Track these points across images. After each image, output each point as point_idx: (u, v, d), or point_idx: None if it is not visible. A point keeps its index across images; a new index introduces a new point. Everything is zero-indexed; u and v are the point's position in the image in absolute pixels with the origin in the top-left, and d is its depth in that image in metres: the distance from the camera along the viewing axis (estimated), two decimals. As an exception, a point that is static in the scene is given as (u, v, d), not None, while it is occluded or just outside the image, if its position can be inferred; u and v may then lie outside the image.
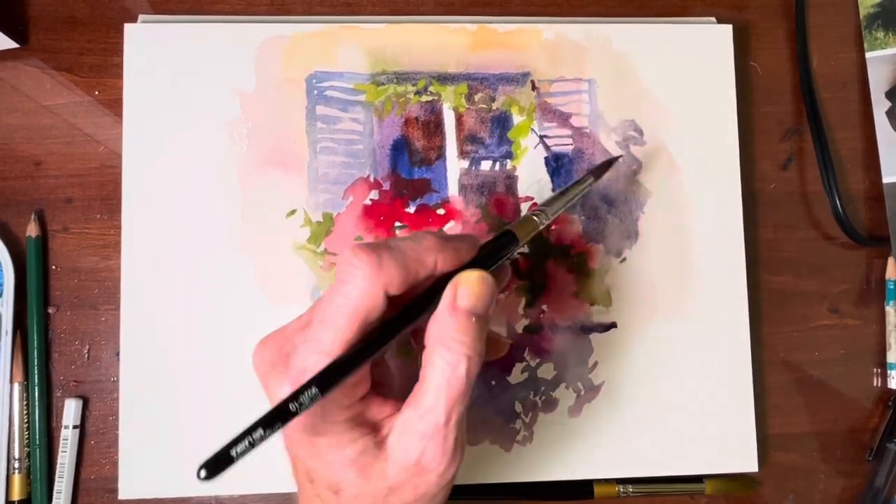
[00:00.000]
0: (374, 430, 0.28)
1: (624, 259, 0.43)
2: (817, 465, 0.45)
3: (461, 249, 0.28)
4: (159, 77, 0.41)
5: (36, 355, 0.40)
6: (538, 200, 0.43)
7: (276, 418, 0.23)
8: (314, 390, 0.24)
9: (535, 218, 0.32)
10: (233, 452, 0.22)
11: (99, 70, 0.43)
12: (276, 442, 0.40)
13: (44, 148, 0.42)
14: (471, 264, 0.29)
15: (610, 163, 0.40)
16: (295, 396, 0.24)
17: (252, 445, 0.23)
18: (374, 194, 0.42)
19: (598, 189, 0.43)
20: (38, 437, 0.40)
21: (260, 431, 0.23)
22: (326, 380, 0.24)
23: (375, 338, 0.26)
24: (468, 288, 0.28)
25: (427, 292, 0.28)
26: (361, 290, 0.25)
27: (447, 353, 0.26)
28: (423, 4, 0.46)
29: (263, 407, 0.41)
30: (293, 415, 0.24)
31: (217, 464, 0.22)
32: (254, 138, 0.42)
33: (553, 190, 0.43)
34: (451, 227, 0.42)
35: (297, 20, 0.44)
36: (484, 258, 0.29)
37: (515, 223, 0.32)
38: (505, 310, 0.42)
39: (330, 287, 0.28)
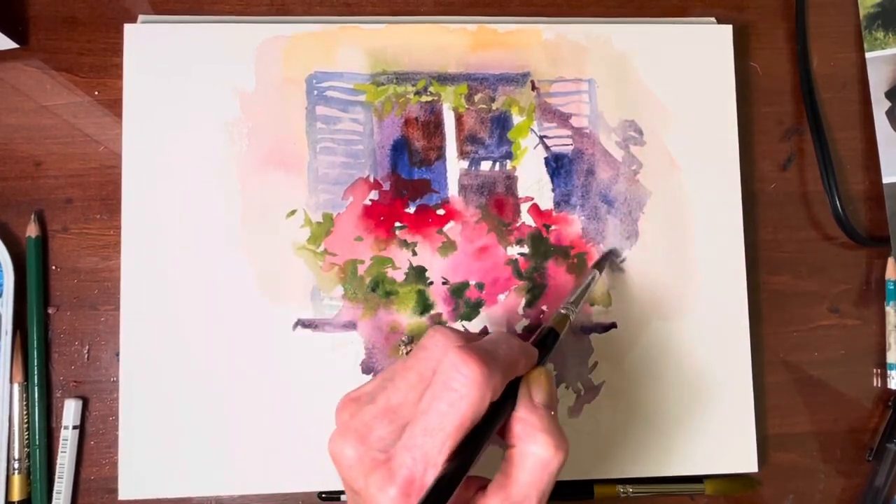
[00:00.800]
0: None
1: (624, 259, 0.43)
2: (817, 465, 0.45)
3: (532, 352, 0.31)
4: (159, 77, 0.41)
5: (36, 355, 0.40)
6: (538, 200, 0.43)
7: None
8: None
9: (563, 311, 0.35)
10: None
11: (99, 70, 0.43)
12: (274, 443, 0.40)
13: (44, 148, 0.42)
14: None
15: (608, 255, 0.43)
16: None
17: None
18: (374, 194, 0.42)
19: (598, 189, 0.43)
20: (38, 437, 0.40)
21: None
22: (446, 490, 0.26)
23: (474, 439, 0.27)
24: (539, 385, 0.30)
25: (501, 397, 0.29)
26: (471, 400, 0.26)
27: (539, 450, 0.27)
28: (423, 4, 0.46)
29: (263, 410, 0.41)
30: None
31: None
32: (254, 138, 0.42)
33: (553, 190, 0.43)
34: (450, 228, 0.42)
35: (297, 20, 0.44)
36: (540, 355, 0.32)
37: (551, 321, 0.34)
38: (505, 310, 0.42)
39: (411, 370, 0.28)
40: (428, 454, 0.26)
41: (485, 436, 0.28)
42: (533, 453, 0.27)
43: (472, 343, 0.28)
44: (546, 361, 0.33)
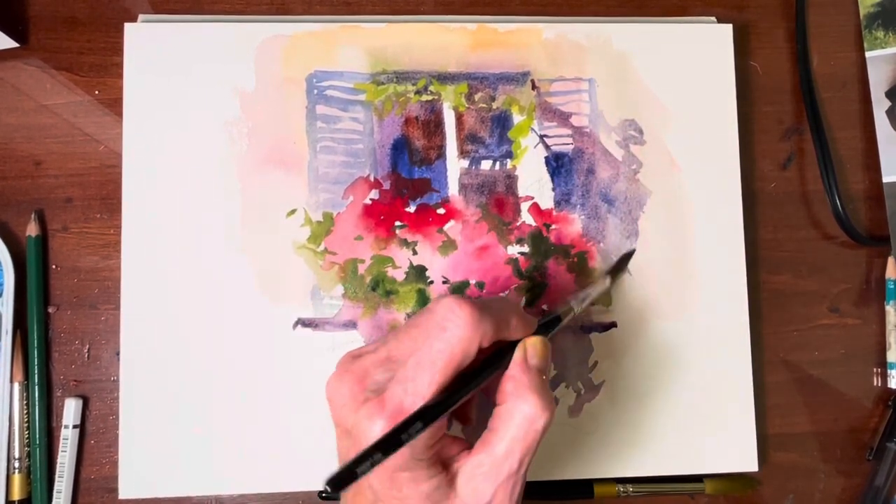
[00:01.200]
0: (444, 468, 0.29)
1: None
2: (817, 465, 0.45)
3: (530, 324, 0.32)
4: (159, 77, 0.41)
5: (36, 355, 0.40)
6: (538, 200, 0.43)
7: (391, 445, 0.26)
8: (419, 424, 0.27)
9: (571, 303, 0.36)
10: (358, 470, 0.25)
11: (99, 70, 0.43)
12: (274, 443, 0.40)
13: (44, 148, 0.42)
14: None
15: (626, 259, 0.42)
16: (405, 427, 0.26)
17: (372, 465, 0.25)
18: (374, 194, 0.42)
19: (598, 188, 0.43)
20: (38, 436, 0.40)
21: (379, 454, 0.26)
22: (428, 415, 0.27)
23: (463, 385, 0.29)
24: (535, 349, 0.31)
25: (494, 356, 0.31)
26: (462, 338, 0.28)
27: (528, 409, 0.29)
28: (423, 4, 0.46)
29: (263, 410, 0.41)
30: (402, 443, 0.26)
31: (341, 480, 0.25)
32: (254, 138, 0.42)
33: (553, 189, 0.43)
34: (450, 227, 0.42)
35: (297, 20, 0.44)
36: (539, 331, 0.33)
37: (559, 309, 0.35)
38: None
39: (415, 327, 0.29)
40: (418, 387, 0.27)
41: (474, 380, 0.29)
42: (520, 410, 0.29)
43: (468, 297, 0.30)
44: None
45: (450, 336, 0.28)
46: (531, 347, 0.31)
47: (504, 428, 0.29)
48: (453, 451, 0.30)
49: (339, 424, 0.30)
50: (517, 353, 0.31)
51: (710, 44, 0.45)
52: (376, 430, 0.27)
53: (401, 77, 0.43)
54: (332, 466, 0.41)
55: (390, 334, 0.31)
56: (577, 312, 0.35)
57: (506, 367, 0.31)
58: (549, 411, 0.29)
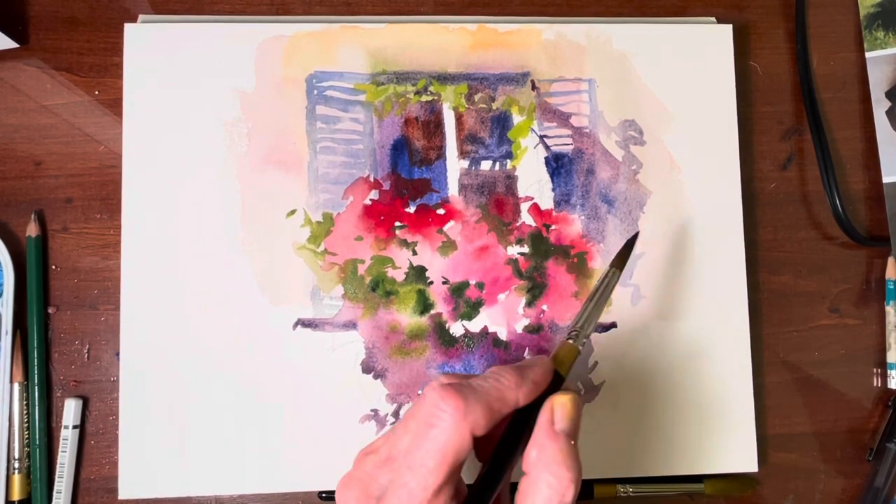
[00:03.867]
0: None
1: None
2: (817, 465, 0.45)
3: (539, 382, 0.29)
4: (159, 77, 0.41)
5: (36, 355, 0.40)
6: (538, 200, 0.43)
7: None
8: None
9: (570, 342, 0.32)
10: None
11: (99, 70, 0.43)
12: (274, 443, 0.40)
13: (44, 148, 0.42)
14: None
15: (630, 245, 0.37)
16: None
17: None
18: (374, 194, 0.42)
19: (598, 189, 0.43)
20: (38, 437, 0.40)
21: None
22: None
23: (487, 482, 0.27)
24: (564, 410, 0.28)
25: (515, 422, 0.29)
26: (450, 434, 0.26)
27: (555, 481, 0.27)
28: (423, 4, 0.46)
29: (263, 410, 0.41)
30: None
31: None
32: (254, 138, 0.42)
33: (553, 189, 0.43)
34: (450, 227, 0.42)
35: (297, 20, 0.44)
36: (555, 381, 0.30)
37: (559, 350, 0.32)
38: (505, 309, 0.42)
39: (408, 422, 0.28)
40: (412, 492, 0.26)
41: (500, 470, 0.28)
42: (547, 483, 0.27)
43: (458, 381, 0.28)
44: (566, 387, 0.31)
45: (437, 433, 0.26)
46: (559, 409, 0.29)
47: (530, 502, 0.27)
48: None
49: None
50: (543, 416, 0.28)
51: (710, 44, 0.45)
52: None
53: (401, 77, 0.43)
54: (332, 466, 0.41)
55: (391, 429, 0.29)
56: (581, 346, 0.32)
57: (531, 432, 0.28)
58: (576, 483, 0.27)
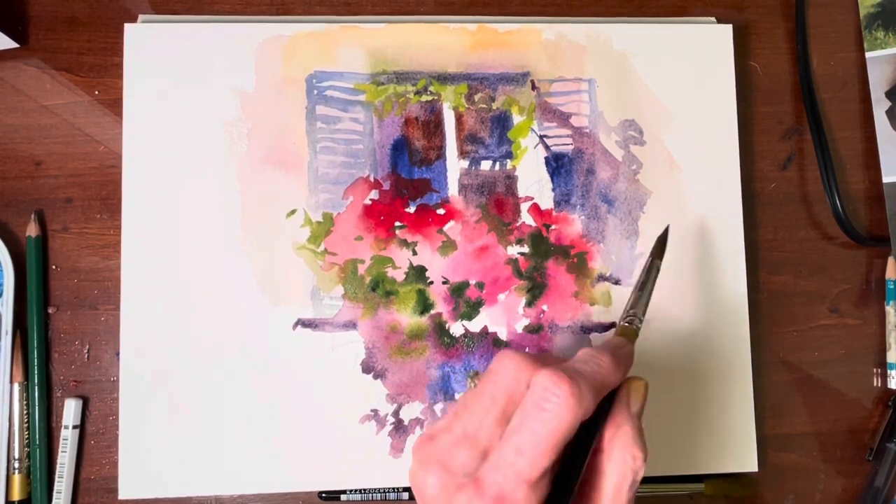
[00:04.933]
0: None
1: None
2: (817, 465, 0.45)
3: (629, 365, 0.31)
4: (159, 77, 0.41)
5: (36, 355, 0.40)
6: (538, 200, 0.43)
7: None
8: None
9: (626, 324, 0.34)
10: None
11: (99, 70, 0.43)
12: (274, 443, 0.40)
13: (44, 148, 0.42)
14: None
15: (665, 237, 0.39)
16: None
17: None
18: (374, 194, 0.42)
19: (598, 189, 0.43)
20: (38, 437, 0.40)
21: None
22: None
23: (572, 462, 0.28)
24: (638, 394, 0.30)
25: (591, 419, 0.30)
26: (563, 419, 0.26)
27: (630, 460, 0.28)
28: (423, 4, 0.46)
29: (263, 410, 0.41)
30: None
31: None
32: (254, 138, 0.42)
33: (553, 189, 0.43)
34: (450, 227, 0.42)
35: (297, 20, 0.44)
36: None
37: (624, 333, 0.34)
38: (505, 310, 0.42)
39: (482, 396, 0.28)
40: (521, 472, 0.26)
41: (583, 459, 0.29)
42: (623, 461, 0.28)
43: (562, 364, 0.29)
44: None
45: (550, 417, 0.26)
46: (634, 392, 0.30)
47: (605, 480, 0.28)
48: None
49: None
50: (621, 398, 0.30)
51: (710, 44, 0.45)
52: None
53: (401, 77, 0.43)
54: (332, 466, 0.41)
55: (457, 407, 0.29)
56: (640, 326, 0.34)
57: (605, 420, 0.29)
58: (645, 458, 0.29)
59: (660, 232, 0.39)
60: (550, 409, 0.26)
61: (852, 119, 0.48)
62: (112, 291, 0.41)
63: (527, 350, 0.42)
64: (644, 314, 0.35)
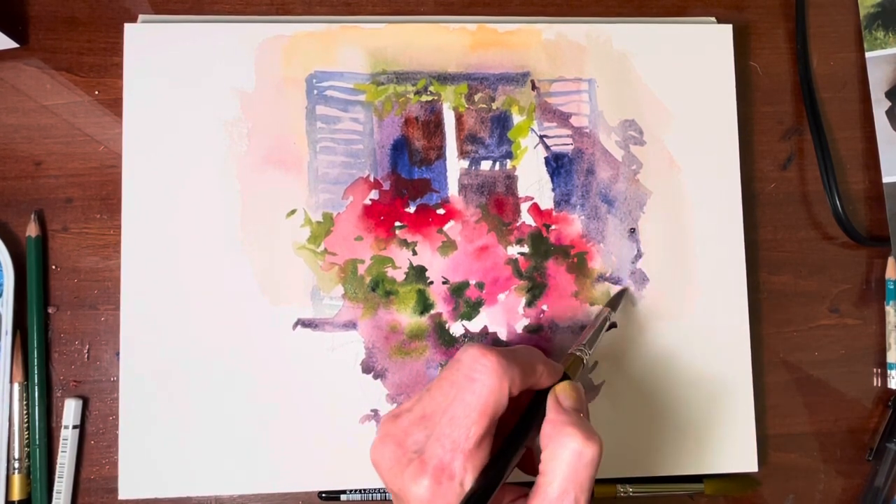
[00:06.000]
0: None
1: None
2: (817, 465, 0.45)
3: (557, 370, 0.33)
4: (159, 77, 0.41)
5: (36, 355, 0.40)
6: (538, 200, 0.43)
7: None
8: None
9: (577, 353, 0.36)
10: None
11: (99, 70, 0.43)
12: (274, 443, 0.40)
13: (44, 148, 0.42)
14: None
15: (620, 295, 0.42)
16: None
17: None
18: (374, 194, 0.42)
19: (598, 189, 0.43)
20: (38, 437, 0.40)
21: None
22: (489, 489, 0.28)
23: (509, 447, 0.30)
24: (566, 393, 0.32)
25: (529, 410, 0.32)
26: (491, 387, 0.28)
27: (571, 442, 0.28)
28: (423, 4, 0.46)
29: (263, 410, 0.41)
30: None
31: None
32: (254, 138, 0.42)
33: (553, 189, 0.43)
34: (450, 227, 0.42)
35: (297, 20, 0.44)
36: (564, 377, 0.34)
37: (568, 359, 0.35)
38: (505, 309, 0.42)
39: (445, 380, 0.30)
40: (456, 441, 0.28)
41: (516, 444, 0.30)
42: (565, 446, 0.28)
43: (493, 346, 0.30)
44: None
45: (479, 386, 0.28)
46: (562, 392, 0.31)
47: (553, 469, 0.28)
48: (509, 498, 0.30)
49: (389, 489, 0.30)
50: (550, 401, 0.31)
51: (710, 44, 0.45)
52: (421, 490, 0.27)
53: (401, 77, 0.43)
54: (332, 466, 0.41)
55: (424, 390, 0.31)
56: (587, 361, 0.36)
57: (542, 418, 0.31)
58: (594, 442, 0.28)
59: (620, 288, 0.42)
60: (478, 379, 0.28)
61: (852, 119, 0.48)
62: (112, 291, 0.41)
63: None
64: (592, 351, 0.37)
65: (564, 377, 0.33)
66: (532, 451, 0.34)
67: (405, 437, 0.29)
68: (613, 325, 0.42)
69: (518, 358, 0.30)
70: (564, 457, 0.28)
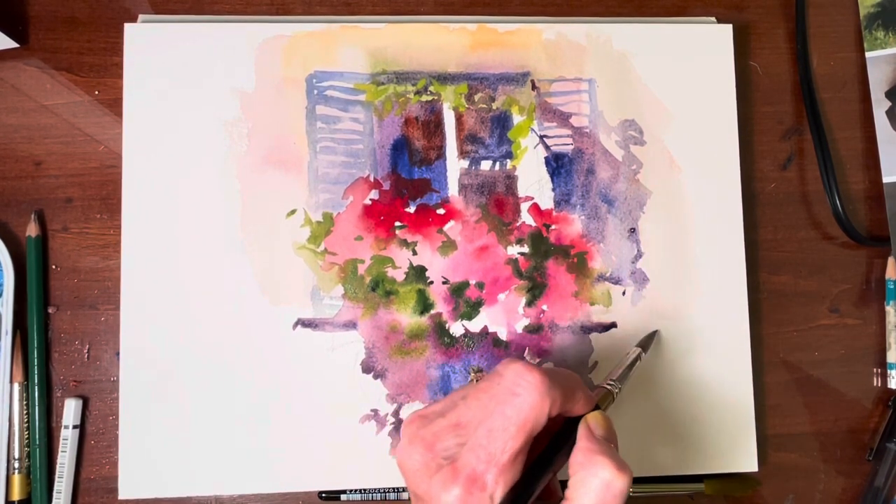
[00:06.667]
0: None
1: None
2: (817, 465, 0.45)
3: (591, 396, 0.33)
4: (159, 77, 0.41)
5: (36, 355, 0.40)
6: (538, 200, 0.43)
7: None
8: None
9: (607, 387, 0.36)
10: None
11: (99, 70, 0.43)
12: (274, 443, 0.40)
13: (44, 148, 0.42)
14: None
15: (653, 336, 0.42)
16: None
17: None
18: (374, 194, 0.42)
19: (598, 188, 0.43)
20: (38, 437, 0.40)
21: None
22: None
23: (539, 469, 0.29)
24: (598, 422, 0.31)
25: (560, 435, 0.31)
26: (533, 404, 0.28)
27: (602, 471, 0.28)
28: (423, 4, 0.46)
29: (263, 410, 0.41)
30: None
31: None
32: (254, 138, 0.42)
33: (553, 189, 0.43)
34: (450, 227, 0.42)
35: (297, 20, 0.44)
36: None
37: (600, 393, 0.35)
38: (505, 309, 0.42)
39: (485, 392, 0.29)
40: (491, 454, 0.27)
41: (549, 461, 0.30)
42: (595, 475, 0.28)
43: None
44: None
45: (521, 402, 0.28)
46: (594, 421, 0.31)
47: (580, 497, 0.28)
48: None
49: (412, 491, 0.29)
50: (581, 428, 0.31)
51: (710, 44, 0.45)
52: (451, 498, 0.27)
53: (401, 77, 0.43)
54: (332, 466, 0.41)
55: (456, 397, 0.30)
56: (616, 395, 0.36)
57: (573, 443, 0.31)
58: (625, 473, 0.28)
59: (651, 331, 0.42)
60: (520, 394, 0.28)
61: (852, 119, 0.48)
62: (112, 291, 0.41)
63: (527, 350, 0.42)
64: (621, 386, 0.37)
65: (596, 408, 0.33)
66: (553, 480, 0.33)
67: (436, 441, 0.29)
68: (613, 326, 0.42)
69: (560, 380, 0.29)
70: (594, 485, 0.28)
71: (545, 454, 0.30)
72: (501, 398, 0.28)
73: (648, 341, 0.42)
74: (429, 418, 0.30)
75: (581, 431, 0.31)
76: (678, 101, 0.44)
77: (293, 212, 0.41)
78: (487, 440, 0.27)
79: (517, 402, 0.28)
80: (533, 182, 0.43)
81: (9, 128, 0.42)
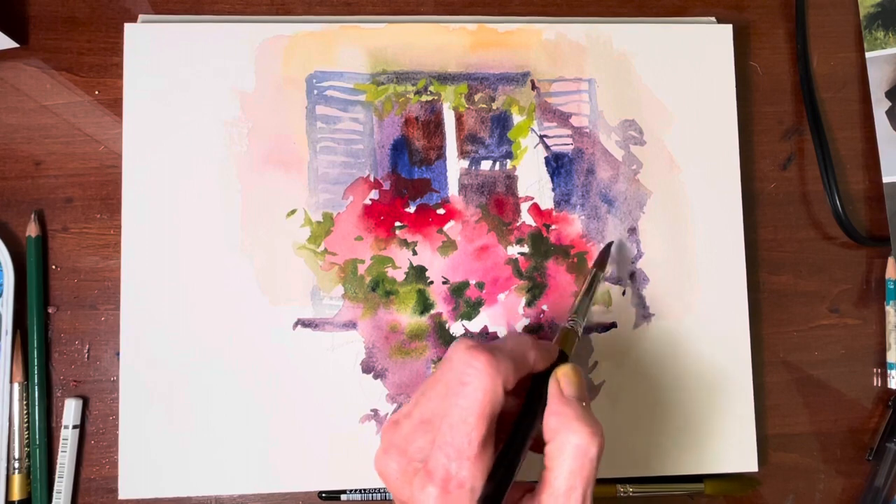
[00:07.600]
0: None
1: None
2: (817, 465, 0.45)
3: (550, 350, 0.32)
4: (159, 77, 0.41)
5: (36, 355, 0.40)
6: (538, 200, 0.43)
7: None
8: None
9: (568, 326, 0.36)
10: None
11: (99, 70, 0.43)
12: (274, 443, 0.40)
13: (44, 148, 0.42)
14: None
15: (607, 249, 0.42)
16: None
17: None
18: (374, 194, 0.42)
19: (598, 188, 0.43)
20: (38, 437, 0.40)
21: None
22: (502, 485, 0.28)
23: (517, 437, 0.30)
24: (567, 378, 0.31)
25: (532, 392, 0.31)
26: (484, 388, 0.28)
27: (575, 437, 0.28)
28: (423, 4, 0.46)
29: (263, 410, 0.41)
30: None
31: None
32: (254, 138, 0.42)
33: (553, 189, 0.43)
34: (450, 227, 0.42)
35: (297, 20, 0.44)
36: (561, 356, 0.34)
37: (561, 334, 0.35)
38: (505, 309, 0.42)
39: (438, 382, 0.29)
40: (459, 448, 0.27)
41: (522, 439, 0.30)
42: (569, 442, 0.28)
43: (479, 343, 0.30)
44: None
45: (472, 391, 0.28)
46: (563, 378, 0.31)
47: (559, 464, 0.28)
48: (517, 495, 0.30)
49: (396, 498, 0.30)
50: (551, 387, 0.31)
51: (710, 44, 0.45)
52: (430, 501, 0.27)
53: (401, 77, 0.43)
54: (332, 466, 0.41)
55: (418, 393, 0.30)
56: (580, 331, 0.35)
57: (544, 405, 0.30)
58: (598, 437, 0.29)
59: (614, 244, 0.42)
60: (470, 382, 0.28)
61: (852, 119, 0.48)
62: (112, 291, 0.41)
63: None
64: (584, 319, 0.36)
65: (560, 355, 0.33)
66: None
67: (407, 444, 0.29)
68: (613, 326, 0.42)
69: (507, 352, 0.29)
70: (570, 451, 0.28)
71: (517, 426, 0.30)
72: (454, 389, 0.28)
73: (604, 257, 0.41)
74: (399, 423, 0.30)
75: (551, 390, 0.31)
76: (678, 101, 0.44)
77: (293, 212, 0.41)
78: (451, 435, 0.27)
79: (468, 391, 0.28)
80: (533, 182, 0.43)
81: (9, 128, 0.42)
